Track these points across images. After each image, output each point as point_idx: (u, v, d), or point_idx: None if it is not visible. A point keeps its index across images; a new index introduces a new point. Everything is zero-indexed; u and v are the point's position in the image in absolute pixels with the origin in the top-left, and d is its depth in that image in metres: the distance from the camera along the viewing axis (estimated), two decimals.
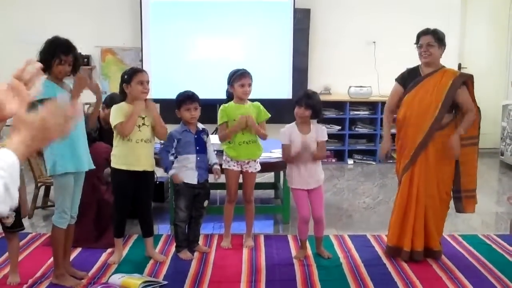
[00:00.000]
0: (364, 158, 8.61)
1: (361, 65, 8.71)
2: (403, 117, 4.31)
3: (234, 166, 4.57)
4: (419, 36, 4.29)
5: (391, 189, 6.75)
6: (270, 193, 6.48)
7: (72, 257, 4.24)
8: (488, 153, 8.45)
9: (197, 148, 4.40)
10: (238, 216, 4.87)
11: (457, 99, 4.21)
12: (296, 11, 8.21)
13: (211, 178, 4.58)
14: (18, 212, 3.80)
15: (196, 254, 4.50)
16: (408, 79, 4.37)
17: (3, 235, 4.01)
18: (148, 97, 4.27)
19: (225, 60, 7.82)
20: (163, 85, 7.57)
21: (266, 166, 4.92)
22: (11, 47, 7.71)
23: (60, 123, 1.38)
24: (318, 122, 4.45)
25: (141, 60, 8.19)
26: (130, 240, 4.78)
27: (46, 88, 3.46)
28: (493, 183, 7.47)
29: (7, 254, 4.10)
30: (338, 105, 8.59)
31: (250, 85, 4.52)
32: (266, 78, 7.32)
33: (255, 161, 4.63)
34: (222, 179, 4.66)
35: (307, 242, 4.54)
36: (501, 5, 9.27)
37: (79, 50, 3.76)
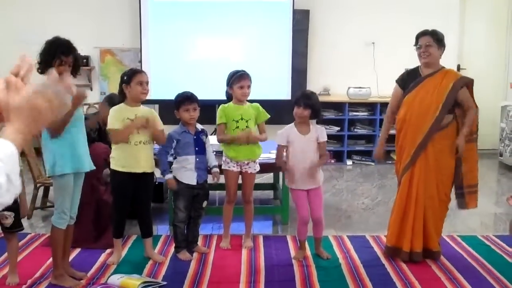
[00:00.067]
0: (363, 159, 8.62)
1: (360, 66, 8.72)
2: (403, 117, 4.31)
3: (233, 167, 4.57)
4: (418, 37, 4.30)
5: (390, 190, 6.76)
6: (269, 193, 6.48)
7: (71, 257, 4.24)
8: (487, 154, 8.45)
9: (196, 149, 4.41)
10: (237, 217, 4.87)
11: (458, 99, 4.22)
12: (295, 12, 8.22)
13: (210, 180, 4.58)
14: (17, 212, 3.80)
15: (195, 254, 4.50)
16: (408, 80, 4.38)
17: (2, 235, 4.00)
18: (148, 97, 4.26)
19: (224, 61, 7.83)
20: (162, 85, 7.57)
21: (265, 167, 4.92)
22: (11, 47, 7.70)
23: (49, 102, 1.33)
24: (317, 123, 4.46)
25: (140, 61, 8.20)
26: (129, 240, 4.78)
27: None
28: (492, 184, 7.48)
29: (6, 254, 4.10)
30: (337, 106, 8.59)
31: (249, 87, 4.52)
32: (265, 79, 7.32)
33: (254, 161, 4.64)
34: (221, 179, 4.66)
35: (306, 242, 4.54)
36: (500, 6, 9.27)
37: (78, 51, 3.76)
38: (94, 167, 3.96)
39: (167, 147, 4.37)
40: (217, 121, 4.56)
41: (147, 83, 4.18)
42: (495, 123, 8.68)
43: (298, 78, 8.32)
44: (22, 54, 1.38)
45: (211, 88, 6.93)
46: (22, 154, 1.33)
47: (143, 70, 5.21)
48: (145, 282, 3.87)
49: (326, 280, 4.05)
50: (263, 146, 4.69)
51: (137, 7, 8.13)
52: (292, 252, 4.58)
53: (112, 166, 4.22)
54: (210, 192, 4.76)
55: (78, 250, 4.52)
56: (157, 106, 7.52)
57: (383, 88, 8.48)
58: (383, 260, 4.43)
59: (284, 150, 4.40)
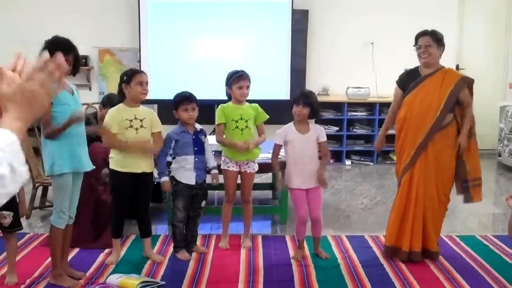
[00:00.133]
0: (362, 159, 8.62)
1: (359, 66, 8.73)
2: (404, 117, 4.31)
3: (233, 166, 4.57)
4: (417, 37, 4.30)
5: (389, 190, 6.76)
6: (268, 193, 6.49)
7: (70, 257, 4.24)
8: (486, 154, 8.43)
9: (195, 149, 4.41)
10: (236, 217, 4.87)
11: (459, 98, 4.23)
12: (294, 12, 8.22)
13: (209, 180, 4.58)
14: (16, 212, 3.80)
15: (194, 254, 4.50)
16: (408, 80, 4.38)
17: (1, 235, 4.00)
18: (147, 97, 4.26)
19: (223, 61, 7.84)
20: (161, 85, 7.57)
21: (264, 167, 4.92)
22: (11, 47, 7.69)
23: (42, 83, 1.32)
24: (315, 122, 4.46)
25: (139, 61, 8.20)
26: (128, 240, 4.78)
27: None
28: (491, 184, 7.47)
29: (4, 254, 4.11)
30: (336, 106, 8.60)
31: (248, 87, 4.52)
32: (264, 79, 7.32)
33: (253, 161, 4.64)
34: (220, 179, 4.66)
35: (305, 242, 4.55)
36: (499, 6, 9.28)
37: (78, 50, 3.76)
38: (93, 167, 3.96)
39: (166, 148, 4.37)
40: (216, 121, 4.56)
41: (146, 83, 4.18)
42: (494, 123, 8.69)
43: (297, 78, 8.31)
44: (17, 52, 1.37)
45: (210, 88, 6.94)
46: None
47: (142, 70, 5.21)
48: (143, 282, 3.87)
49: (325, 280, 4.05)
50: (262, 146, 4.70)
51: (136, 7, 8.12)
52: (291, 252, 4.58)
53: (111, 166, 4.21)
54: (209, 191, 4.76)
55: (76, 249, 4.52)
56: (156, 106, 7.52)
57: (382, 88, 8.50)
58: (382, 260, 4.43)
59: (281, 149, 4.41)
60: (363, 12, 8.73)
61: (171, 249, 4.56)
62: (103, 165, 4.68)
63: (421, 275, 4.13)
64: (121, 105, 4.20)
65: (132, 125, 4.12)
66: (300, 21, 8.44)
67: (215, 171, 4.54)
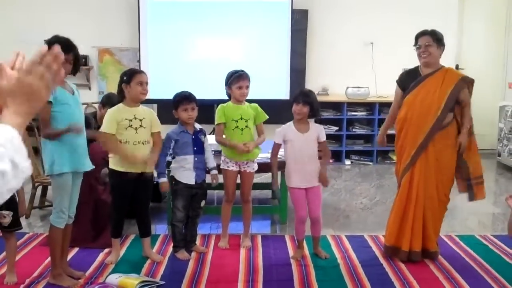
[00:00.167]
0: (362, 158, 8.62)
1: (359, 66, 8.73)
2: (404, 117, 4.31)
3: (232, 166, 4.57)
4: (417, 37, 4.30)
5: (388, 189, 6.77)
6: (268, 193, 6.49)
7: (69, 257, 4.24)
8: (485, 154, 8.41)
9: (195, 148, 4.41)
10: (236, 216, 4.87)
11: (459, 98, 4.23)
12: (294, 11, 8.22)
13: (208, 180, 4.58)
14: (15, 211, 3.80)
15: (193, 254, 4.50)
16: (407, 80, 4.38)
17: (1, 234, 4.00)
18: (146, 97, 4.26)
19: (222, 61, 7.84)
20: (160, 85, 7.56)
21: (264, 167, 4.92)
22: (11, 47, 7.69)
23: (40, 76, 1.31)
24: (315, 122, 4.46)
25: (139, 61, 8.20)
26: (127, 240, 4.78)
27: None
28: (490, 183, 7.47)
29: (4, 253, 4.11)
30: (336, 106, 8.60)
31: (247, 87, 4.52)
32: (264, 79, 7.33)
33: (253, 161, 4.64)
34: (220, 179, 4.66)
35: (305, 242, 4.55)
36: (499, 7, 9.28)
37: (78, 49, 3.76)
38: (93, 167, 3.96)
39: (166, 148, 4.37)
40: (216, 121, 4.56)
41: (146, 83, 4.18)
42: (494, 123, 8.69)
43: (297, 78, 8.32)
44: (16, 52, 1.37)
45: (209, 88, 6.94)
46: None
47: (142, 70, 5.21)
48: (143, 281, 3.87)
49: (324, 279, 4.05)
50: (262, 146, 4.69)
51: (136, 7, 8.13)
52: (291, 252, 4.58)
53: (111, 166, 4.21)
54: (209, 191, 4.76)
55: (76, 249, 4.52)
56: (155, 105, 7.52)
57: (381, 88, 8.51)
58: (381, 260, 4.43)
59: (281, 148, 4.42)
60: (362, 12, 8.74)
61: (170, 249, 4.56)
62: (102, 165, 4.67)
63: (421, 274, 4.13)
64: (120, 105, 4.20)
65: (131, 125, 4.12)
66: (299, 21, 8.44)
67: (215, 171, 4.54)
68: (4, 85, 1.30)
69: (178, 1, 8.31)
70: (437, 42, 4.24)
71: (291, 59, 8.22)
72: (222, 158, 4.62)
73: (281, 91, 8.14)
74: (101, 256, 4.42)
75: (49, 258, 3.98)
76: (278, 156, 4.57)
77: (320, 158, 4.42)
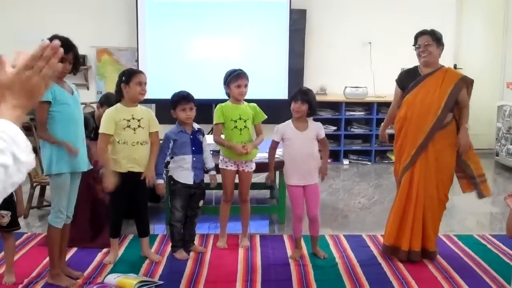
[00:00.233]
0: (360, 158, 8.62)
1: (357, 66, 8.73)
2: (404, 116, 4.31)
3: (231, 166, 4.57)
4: (416, 37, 4.30)
5: (387, 189, 6.77)
6: (266, 193, 6.49)
7: (67, 257, 4.24)
8: (483, 154, 8.43)
9: (193, 148, 4.41)
10: (234, 216, 4.87)
11: (458, 98, 4.23)
12: (292, 11, 8.22)
13: (207, 180, 4.58)
14: (14, 211, 3.80)
15: (191, 254, 4.50)
16: (407, 80, 4.37)
17: None
18: (145, 97, 4.25)
19: (220, 60, 7.82)
20: (159, 85, 7.55)
21: (262, 166, 4.92)
22: (10, 47, 7.68)
23: (39, 71, 1.33)
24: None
25: (137, 60, 8.19)
26: (125, 240, 4.78)
27: None
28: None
29: (2, 253, 4.10)
30: (334, 106, 8.60)
31: (246, 86, 4.52)
32: (262, 79, 7.33)
33: (251, 160, 4.64)
34: (218, 179, 4.66)
35: (303, 242, 4.55)
36: (497, 7, 9.29)
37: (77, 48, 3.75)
38: (91, 167, 3.96)
39: (165, 148, 4.37)
40: (215, 121, 4.55)
41: (145, 83, 4.18)
42: (492, 123, 8.70)
43: (295, 78, 8.31)
44: (17, 51, 1.37)
45: (207, 88, 6.94)
46: None
47: (140, 69, 5.21)
48: (141, 281, 3.87)
49: (323, 279, 4.06)
50: (260, 145, 4.69)
51: (134, 7, 8.12)
52: (289, 252, 4.58)
53: None
54: (207, 191, 4.76)
55: (74, 249, 4.52)
56: (153, 105, 7.52)
57: (379, 87, 8.51)
58: (380, 260, 4.44)
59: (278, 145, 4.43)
60: (360, 12, 8.74)
61: (169, 249, 4.56)
62: (101, 165, 4.67)
63: (419, 274, 4.13)
64: (118, 105, 4.20)
65: (129, 125, 4.12)
66: (298, 21, 8.44)
67: (213, 172, 4.55)
68: (4, 78, 1.31)
69: (176, 1, 8.30)
70: (437, 41, 4.24)
71: (289, 59, 8.21)
72: (221, 157, 4.62)
73: (280, 91, 8.13)
74: (99, 256, 4.42)
75: (47, 258, 3.98)
76: (277, 156, 4.58)
77: (320, 151, 4.42)
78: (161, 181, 4.36)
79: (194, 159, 4.40)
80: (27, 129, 5.54)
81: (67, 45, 3.62)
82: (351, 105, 8.59)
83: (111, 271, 4.10)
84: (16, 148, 1.23)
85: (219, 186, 4.74)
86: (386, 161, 8.42)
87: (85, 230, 4.66)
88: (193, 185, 4.42)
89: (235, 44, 8.33)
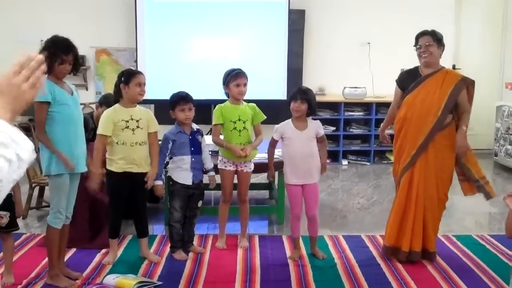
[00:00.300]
0: (359, 158, 8.62)
1: (356, 66, 8.73)
2: (404, 117, 4.30)
3: (230, 166, 4.57)
4: (417, 37, 4.29)
5: (386, 189, 6.77)
6: (265, 193, 6.49)
7: (66, 257, 4.24)
8: (482, 154, 8.43)
9: (192, 149, 4.41)
10: (233, 217, 4.87)
11: (458, 100, 4.22)
12: (291, 11, 8.21)
13: (206, 180, 4.58)
14: (12, 212, 3.79)
15: (190, 254, 4.50)
16: (407, 80, 4.37)
17: None
18: (144, 97, 4.25)
19: (219, 61, 7.81)
20: (157, 85, 7.54)
21: (261, 167, 4.92)
22: (10, 47, 7.67)
23: (26, 79, 1.39)
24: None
25: (136, 61, 8.19)
26: (124, 240, 4.78)
27: (47, 88, 3.46)
28: None
29: (1, 254, 4.10)
30: (333, 106, 8.60)
31: (245, 85, 4.52)
32: (261, 79, 7.33)
33: (250, 161, 4.64)
34: (217, 179, 4.65)
35: (302, 242, 4.55)
36: (496, 7, 9.29)
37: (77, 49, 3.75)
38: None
39: (164, 149, 4.37)
40: (214, 122, 4.55)
41: (144, 84, 4.18)
42: (490, 123, 8.70)
43: (294, 78, 8.31)
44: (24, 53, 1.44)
45: (206, 88, 6.93)
46: None
47: (139, 70, 5.21)
48: (140, 282, 3.87)
49: (322, 280, 4.06)
50: (259, 146, 4.69)
51: (133, 7, 8.11)
52: (288, 252, 4.59)
53: (108, 166, 4.21)
54: (206, 191, 4.76)
55: (73, 250, 4.52)
56: (152, 106, 7.51)
57: (378, 88, 8.51)
58: (379, 260, 4.44)
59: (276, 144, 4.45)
60: (359, 12, 8.74)
61: (168, 249, 4.56)
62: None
63: (418, 274, 4.13)
64: (117, 105, 4.19)
65: (128, 126, 4.12)
66: (296, 21, 8.44)
67: (212, 173, 4.54)
68: None
69: (175, 1, 8.29)
70: (437, 42, 4.24)
71: (288, 59, 8.20)
72: (219, 158, 4.62)
73: (279, 91, 8.13)
74: (98, 257, 4.42)
75: (46, 259, 3.98)
76: (276, 156, 4.58)
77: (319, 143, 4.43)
78: (159, 182, 4.36)
79: (193, 159, 4.40)
80: (26, 130, 5.55)
81: (67, 45, 3.62)
82: (350, 105, 8.59)
83: (110, 272, 4.10)
84: (16, 146, 1.28)
85: (218, 187, 4.74)
86: (385, 162, 8.43)
87: (84, 230, 4.66)
88: (192, 186, 4.42)
89: (234, 45, 8.33)
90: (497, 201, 6.00)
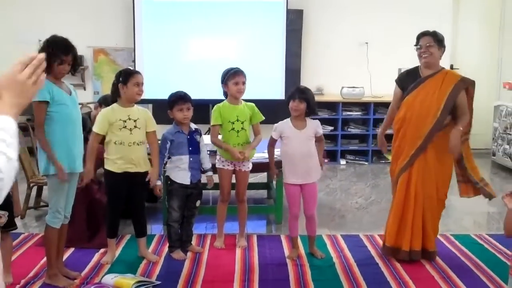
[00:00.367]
0: (357, 158, 8.63)
1: (354, 66, 8.74)
2: (403, 117, 4.30)
3: (228, 165, 4.57)
4: (418, 37, 4.29)
5: (384, 189, 6.77)
6: (263, 193, 6.49)
7: (65, 257, 4.23)
8: (480, 154, 8.44)
9: (190, 148, 4.40)
10: (231, 216, 4.87)
11: (457, 101, 4.22)
12: (289, 11, 8.20)
13: (204, 180, 4.58)
14: (10, 211, 3.79)
15: (189, 254, 4.50)
16: (407, 80, 4.37)
17: None
18: (142, 97, 4.24)
19: (217, 60, 7.80)
20: (155, 85, 7.54)
21: (260, 166, 4.92)
22: (9, 47, 7.66)
23: (29, 76, 1.46)
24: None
25: (134, 61, 8.18)
26: (123, 240, 4.77)
27: (45, 87, 3.46)
28: None
29: None
30: (331, 106, 8.60)
31: (244, 83, 4.51)
32: (259, 79, 7.31)
33: (248, 160, 4.63)
34: (215, 179, 4.65)
35: (300, 242, 4.55)
36: (493, 7, 9.30)
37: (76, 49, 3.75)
38: None
39: (163, 149, 4.37)
40: (212, 122, 4.54)
41: (142, 84, 4.18)
42: (488, 122, 8.69)
43: (292, 78, 8.30)
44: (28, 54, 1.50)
45: (204, 88, 6.93)
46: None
47: (137, 70, 5.20)
48: (139, 281, 3.87)
49: (320, 279, 4.06)
50: (258, 145, 4.69)
51: (131, 7, 8.10)
52: (286, 251, 4.59)
53: (106, 166, 4.21)
54: (204, 191, 4.75)
55: (72, 249, 4.52)
56: (150, 105, 7.51)
57: (376, 88, 8.52)
58: (377, 259, 4.44)
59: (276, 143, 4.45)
60: (357, 12, 8.75)
61: (166, 249, 4.56)
62: (98, 165, 4.66)
63: (416, 274, 4.14)
64: (115, 105, 4.19)
65: (125, 126, 4.11)
66: (294, 21, 8.44)
67: (210, 173, 4.54)
68: (0, 80, 1.45)
69: (173, 1, 8.29)
70: (438, 43, 4.24)
71: (286, 59, 8.20)
72: (218, 157, 4.62)
73: (277, 91, 8.13)
74: (96, 256, 4.41)
75: (44, 259, 3.98)
76: (275, 156, 4.58)
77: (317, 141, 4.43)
78: (158, 182, 4.35)
79: (191, 159, 4.40)
80: (24, 129, 5.54)
81: (67, 46, 3.62)
82: (348, 105, 8.60)
83: (109, 271, 4.09)
84: (17, 146, 1.35)
85: (216, 186, 4.74)
86: (383, 161, 8.42)
87: (82, 230, 4.65)
88: (190, 185, 4.42)
89: (232, 44, 8.32)
90: (495, 200, 6.00)
